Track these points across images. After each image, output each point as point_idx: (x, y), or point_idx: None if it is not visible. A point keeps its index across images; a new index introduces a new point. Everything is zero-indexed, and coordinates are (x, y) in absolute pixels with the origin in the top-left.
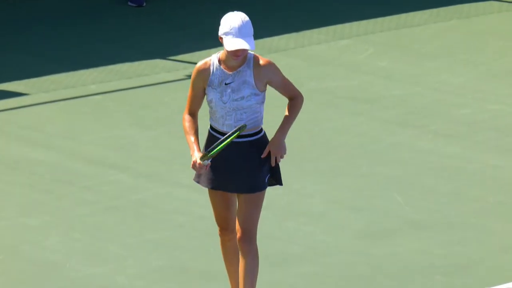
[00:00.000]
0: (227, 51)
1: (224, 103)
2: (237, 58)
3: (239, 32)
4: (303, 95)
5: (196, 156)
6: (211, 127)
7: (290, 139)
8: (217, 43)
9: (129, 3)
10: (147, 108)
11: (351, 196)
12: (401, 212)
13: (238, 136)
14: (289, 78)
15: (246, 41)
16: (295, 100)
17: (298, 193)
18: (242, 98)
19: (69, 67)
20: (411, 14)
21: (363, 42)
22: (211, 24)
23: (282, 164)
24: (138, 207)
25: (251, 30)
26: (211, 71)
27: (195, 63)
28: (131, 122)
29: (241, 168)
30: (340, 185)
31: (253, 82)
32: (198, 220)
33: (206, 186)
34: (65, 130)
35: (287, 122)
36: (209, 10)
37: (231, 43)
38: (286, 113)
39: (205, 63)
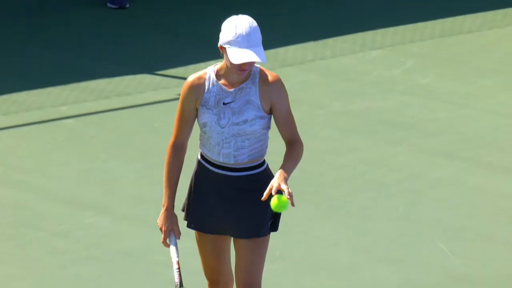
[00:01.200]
0: (230, 63)
1: (222, 128)
2: (243, 73)
3: (247, 41)
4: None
5: (167, 223)
6: (202, 157)
7: (308, 173)
8: (217, 54)
9: (109, 4)
10: (132, 135)
11: (385, 244)
12: (447, 264)
13: (237, 170)
14: (307, 98)
15: (256, 52)
16: (295, 146)
17: (319, 241)
18: (245, 121)
19: (34, 84)
20: (460, 18)
21: (399, 53)
22: (210, 31)
23: (299, 204)
24: (120, 257)
25: (260, 38)
26: (206, 87)
27: None
28: (112, 152)
29: (242, 207)
30: (372, 231)
31: (259, 102)
32: (193, 274)
33: (194, 229)
34: (31, 162)
35: (290, 166)
36: (208, 13)
37: (238, 55)
38: (285, 160)
39: (199, 77)
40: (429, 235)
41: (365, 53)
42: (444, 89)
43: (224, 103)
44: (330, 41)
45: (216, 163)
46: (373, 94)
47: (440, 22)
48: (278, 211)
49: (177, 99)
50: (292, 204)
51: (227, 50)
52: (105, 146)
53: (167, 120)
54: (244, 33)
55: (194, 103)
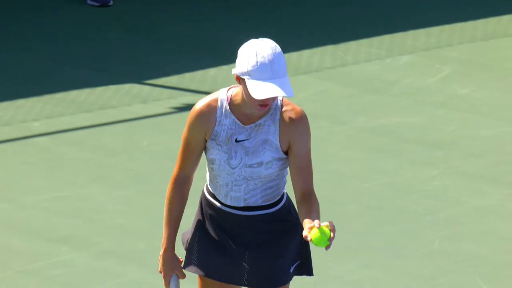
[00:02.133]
0: (249, 98)
1: (232, 168)
2: (264, 109)
3: (271, 71)
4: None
5: (167, 267)
6: (209, 190)
7: (327, 201)
8: (218, 60)
9: (89, 2)
10: (117, 156)
11: (418, 285)
12: None
13: (249, 209)
14: (325, 112)
15: (281, 85)
16: (313, 200)
17: (340, 281)
18: (260, 164)
19: (2, 96)
20: (505, 18)
21: (434, 58)
22: (207, 33)
23: None
24: None
25: (285, 66)
26: (218, 118)
27: (186, 90)
28: (93, 176)
29: (257, 251)
30: (401, 268)
31: (278, 143)
32: None
33: (197, 273)
34: None
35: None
36: (205, 13)
37: (260, 89)
38: (309, 213)
39: (209, 104)
40: (470, 274)
41: (393, 59)
42: (487, 101)
43: (236, 140)
44: (353, 45)
45: (224, 202)
46: (403, 108)
47: (482, 23)
48: (318, 244)
49: (170, 112)
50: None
51: (247, 82)
52: (84, 169)
53: (159, 138)
54: (266, 62)
55: (203, 134)
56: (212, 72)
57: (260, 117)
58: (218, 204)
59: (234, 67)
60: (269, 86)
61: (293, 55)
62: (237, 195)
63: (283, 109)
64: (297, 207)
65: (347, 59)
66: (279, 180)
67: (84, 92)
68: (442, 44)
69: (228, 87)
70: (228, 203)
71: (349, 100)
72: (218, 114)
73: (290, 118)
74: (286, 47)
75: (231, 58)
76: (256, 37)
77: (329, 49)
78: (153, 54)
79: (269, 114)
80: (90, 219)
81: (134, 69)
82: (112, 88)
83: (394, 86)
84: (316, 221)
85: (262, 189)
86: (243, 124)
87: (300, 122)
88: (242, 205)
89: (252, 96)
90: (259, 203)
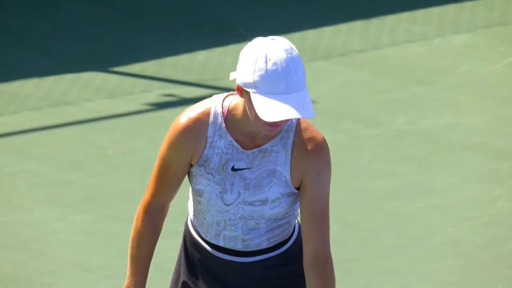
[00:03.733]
0: (255, 117)
1: (227, 205)
2: (274, 130)
3: (285, 83)
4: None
5: None
6: (194, 227)
7: (355, 230)
8: (209, 40)
9: None
10: (73, 168)
11: None
12: None
13: (249, 254)
14: (353, 110)
15: (299, 103)
16: (328, 278)
17: None
18: (264, 202)
19: None
20: None
21: (498, 39)
22: (196, 4)
23: (342, 279)
24: None
25: (304, 75)
26: (209, 138)
27: (166, 80)
28: (43, 196)
29: None
30: None
31: (288, 176)
32: None
33: None
34: None
35: None
36: None
37: (270, 108)
38: None
39: (197, 118)
40: None
41: (444, 39)
42: None
43: (233, 169)
44: (388, 21)
45: (215, 243)
46: (456, 105)
47: None
48: None
49: (146, 110)
50: None
51: (252, 97)
52: (31, 187)
53: (129, 145)
54: (280, 70)
55: (188, 158)
56: (201, 56)
57: (266, 140)
58: (207, 247)
59: (233, 54)
60: (281, 106)
61: (310, 34)
62: (234, 235)
63: (299, 132)
64: (305, 274)
65: (382, 40)
66: (290, 218)
67: (30, 83)
68: (508, 20)
69: (224, 95)
70: (221, 244)
71: (384, 95)
72: (209, 133)
73: (307, 148)
74: (301, 24)
75: (226, 38)
76: (258, 11)
77: (357, 25)
78: (122, 32)
79: (279, 136)
80: (38, 253)
81: (97, 53)
82: (68, 77)
83: (445, 76)
84: None
85: (267, 229)
86: (243, 147)
87: (319, 156)
88: (240, 247)
89: (260, 116)
90: (263, 246)
